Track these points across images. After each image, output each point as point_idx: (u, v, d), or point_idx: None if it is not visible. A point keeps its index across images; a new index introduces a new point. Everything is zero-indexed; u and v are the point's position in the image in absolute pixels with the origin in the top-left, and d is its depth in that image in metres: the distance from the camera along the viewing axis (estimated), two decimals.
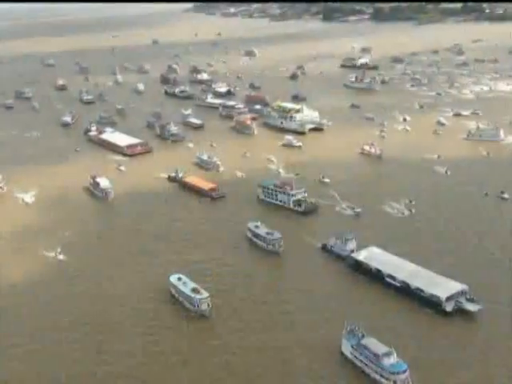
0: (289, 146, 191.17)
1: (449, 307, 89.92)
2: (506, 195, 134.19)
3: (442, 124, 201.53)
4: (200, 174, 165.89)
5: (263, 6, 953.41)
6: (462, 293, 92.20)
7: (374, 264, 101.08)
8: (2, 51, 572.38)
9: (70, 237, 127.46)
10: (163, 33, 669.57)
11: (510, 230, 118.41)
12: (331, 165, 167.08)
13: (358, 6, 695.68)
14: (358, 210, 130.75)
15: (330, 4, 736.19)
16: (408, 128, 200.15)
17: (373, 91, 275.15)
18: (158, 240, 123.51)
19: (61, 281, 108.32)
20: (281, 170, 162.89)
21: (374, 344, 77.92)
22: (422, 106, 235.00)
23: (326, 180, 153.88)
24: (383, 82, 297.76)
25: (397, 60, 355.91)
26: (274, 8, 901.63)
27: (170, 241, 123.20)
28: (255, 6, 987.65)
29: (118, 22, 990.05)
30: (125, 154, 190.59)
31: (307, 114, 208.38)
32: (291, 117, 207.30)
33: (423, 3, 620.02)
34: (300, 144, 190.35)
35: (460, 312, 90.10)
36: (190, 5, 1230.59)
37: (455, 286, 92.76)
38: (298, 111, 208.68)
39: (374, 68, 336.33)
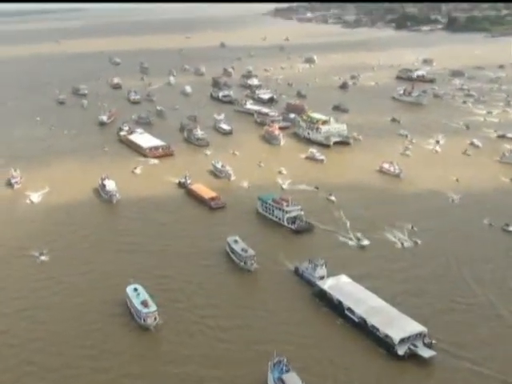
0: (311, 159, 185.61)
1: (401, 350, 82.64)
2: (510, 228, 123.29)
3: (476, 146, 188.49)
4: (211, 182, 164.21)
5: (340, 12, 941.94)
6: (420, 336, 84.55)
7: (337, 295, 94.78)
8: (74, 48, 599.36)
9: (60, 238, 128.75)
10: (234, 36, 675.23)
11: (498, 268, 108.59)
12: (345, 182, 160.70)
13: (433, 16, 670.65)
14: (365, 242, 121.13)
15: (405, 12, 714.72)
16: (438, 148, 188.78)
17: (420, 106, 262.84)
18: (134, 246, 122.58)
19: (31, 282, 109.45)
20: (285, 186, 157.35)
21: (293, 380, 72.67)
22: (467, 126, 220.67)
23: (333, 198, 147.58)
24: (436, 96, 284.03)
25: (457, 73, 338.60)
26: (350, 14, 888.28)
27: (145, 249, 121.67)
28: (332, 11, 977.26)
29: (195, 23, 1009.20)
30: (146, 156, 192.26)
31: (334, 127, 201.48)
32: (317, 128, 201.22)
33: (501, 14, 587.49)
34: (323, 158, 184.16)
35: (414, 356, 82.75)
36: (270, 8, 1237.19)
37: (413, 328, 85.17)
38: (324, 123, 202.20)
39: (431, 81, 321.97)
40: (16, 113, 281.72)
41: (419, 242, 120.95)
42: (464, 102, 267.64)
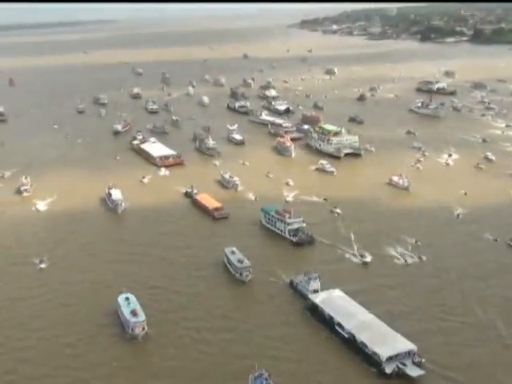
0: (321, 170, 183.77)
1: (388, 368, 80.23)
2: None
3: (490, 160, 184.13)
4: (218, 192, 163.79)
5: (365, 24, 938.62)
6: (409, 354, 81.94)
7: (328, 309, 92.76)
8: (100, 59, 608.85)
9: (61, 246, 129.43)
10: (257, 47, 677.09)
11: (501, 286, 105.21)
12: (353, 194, 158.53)
13: (458, 28, 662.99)
14: (368, 258, 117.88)
15: (430, 24, 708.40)
16: (450, 162, 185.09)
17: (437, 118, 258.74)
18: (132, 256, 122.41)
19: (26, 289, 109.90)
20: (289, 198, 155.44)
21: None
22: (484, 139, 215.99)
23: (338, 211, 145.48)
24: (455, 108, 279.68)
25: (478, 86, 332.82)
26: (376, 27, 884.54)
27: (142, 259, 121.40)
28: (358, 24, 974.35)
29: (221, 34, 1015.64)
30: (156, 165, 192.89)
31: (346, 138, 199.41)
32: (328, 140, 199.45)
33: None
34: (333, 170, 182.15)
35: (401, 375, 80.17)
36: (296, 20, 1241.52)
37: (403, 346, 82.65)
38: (336, 134, 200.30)
39: (451, 93, 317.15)
40: (36, 121, 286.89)
41: (424, 258, 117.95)
42: (483, 115, 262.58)
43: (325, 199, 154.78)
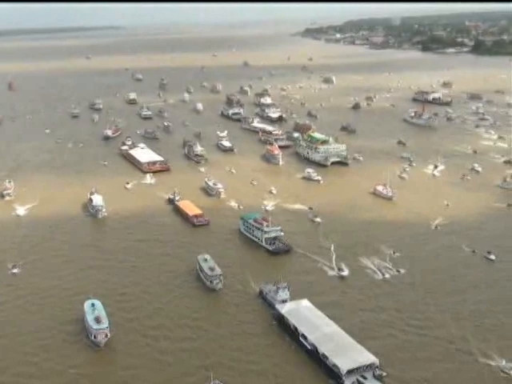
0: (308, 179, 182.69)
1: (348, 382, 78.70)
2: (492, 256, 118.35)
3: (477, 171, 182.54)
4: (201, 199, 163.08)
5: (368, 34, 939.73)
6: (371, 367, 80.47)
7: (293, 320, 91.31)
8: (102, 64, 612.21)
9: (36, 252, 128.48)
10: (259, 55, 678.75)
11: (473, 300, 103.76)
12: (336, 203, 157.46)
13: (460, 38, 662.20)
14: (344, 271, 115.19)
15: (433, 35, 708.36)
16: (436, 173, 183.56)
17: (430, 129, 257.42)
18: (106, 262, 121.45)
19: None
20: (268, 207, 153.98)
21: None
22: (475, 150, 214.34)
23: (318, 220, 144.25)
24: (449, 119, 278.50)
25: (474, 97, 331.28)
26: (379, 36, 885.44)
27: (115, 265, 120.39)
28: (361, 33, 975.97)
29: (225, 42, 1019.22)
30: (143, 171, 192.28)
31: (333, 147, 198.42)
32: (316, 148, 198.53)
33: None
34: (319, 178, 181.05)
35: None
36: (300, 29, 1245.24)
37: (364, 359, 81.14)
38: (323, 143, 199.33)
39: (447, 104, 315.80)
40: (30, 125, 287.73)
41: (402, 271, 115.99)
42: (477, 126, 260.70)
43: (310, 208, 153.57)
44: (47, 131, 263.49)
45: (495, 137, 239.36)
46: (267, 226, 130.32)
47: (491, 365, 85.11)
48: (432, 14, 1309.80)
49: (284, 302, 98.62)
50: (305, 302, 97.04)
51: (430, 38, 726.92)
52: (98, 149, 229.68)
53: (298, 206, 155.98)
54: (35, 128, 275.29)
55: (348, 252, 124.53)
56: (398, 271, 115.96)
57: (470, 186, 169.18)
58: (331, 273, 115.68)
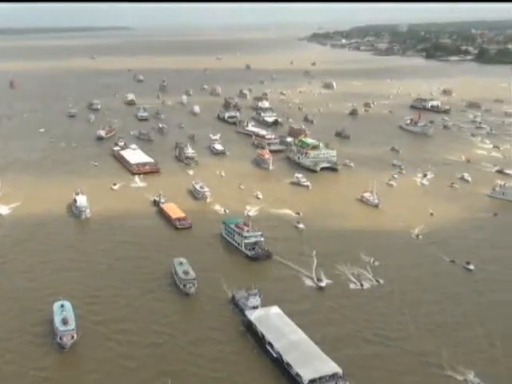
0: (296, 184, 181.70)
1: None
2: (471, 266, 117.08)
3: (466, 180, 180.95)
4: (187, 202, 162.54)
5: (374, 40, 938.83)
6: (334, 377, 79.31)
7: (261, 327, 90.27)
8: (106, 65, 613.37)
9: (14, 252, 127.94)
10: (262, 59, 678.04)
11: (448, 312, 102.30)
12: (322, 209, 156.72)
13: (464, 46, 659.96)
14: (323, 282, 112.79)
15: (437, 42, 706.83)
16: (425, 181, 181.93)
17: (425, 136, 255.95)
18: (81, 264, 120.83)
19: None
20: (251, 212, 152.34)
21: None
22: (468, 159, 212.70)
23: (301, 226, 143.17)
24: (445, 127, 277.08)
25: (473, 105, 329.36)
26: (384, 42, 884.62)
27: (91, 267, 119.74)
28: (367, 39, 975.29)
29: (231, 45, 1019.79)
30: (133, 172, 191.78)
31: (323, 152, 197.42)
32: (306, 153, 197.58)
33: None
34: (308, 184, 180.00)
35: None
36: (307, 34, 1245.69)
37: (328, 368, 79.97)
38: (314, 148, 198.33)
39: (445, 112, 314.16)
40: (26, 123, 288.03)
41: (381, 281, 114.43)
42: (473, 135, 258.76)
43: (297, 213, 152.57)
44: (41, 130, 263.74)
45: (490, 146, 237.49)
46: (248, 231, 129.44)
47: (458, 379, 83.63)
48: (440, 21, 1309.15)
49: (254, 308, 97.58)
50: (274, 309, 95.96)
51: (434, 46, 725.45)
52: (90, 149, 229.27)
53: (283, 212, 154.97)
54: (31, 127, 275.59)
55: (328, 260, 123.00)
56: (378, 281, 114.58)
57: (458, 194, 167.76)
58: (308, 282, 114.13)
